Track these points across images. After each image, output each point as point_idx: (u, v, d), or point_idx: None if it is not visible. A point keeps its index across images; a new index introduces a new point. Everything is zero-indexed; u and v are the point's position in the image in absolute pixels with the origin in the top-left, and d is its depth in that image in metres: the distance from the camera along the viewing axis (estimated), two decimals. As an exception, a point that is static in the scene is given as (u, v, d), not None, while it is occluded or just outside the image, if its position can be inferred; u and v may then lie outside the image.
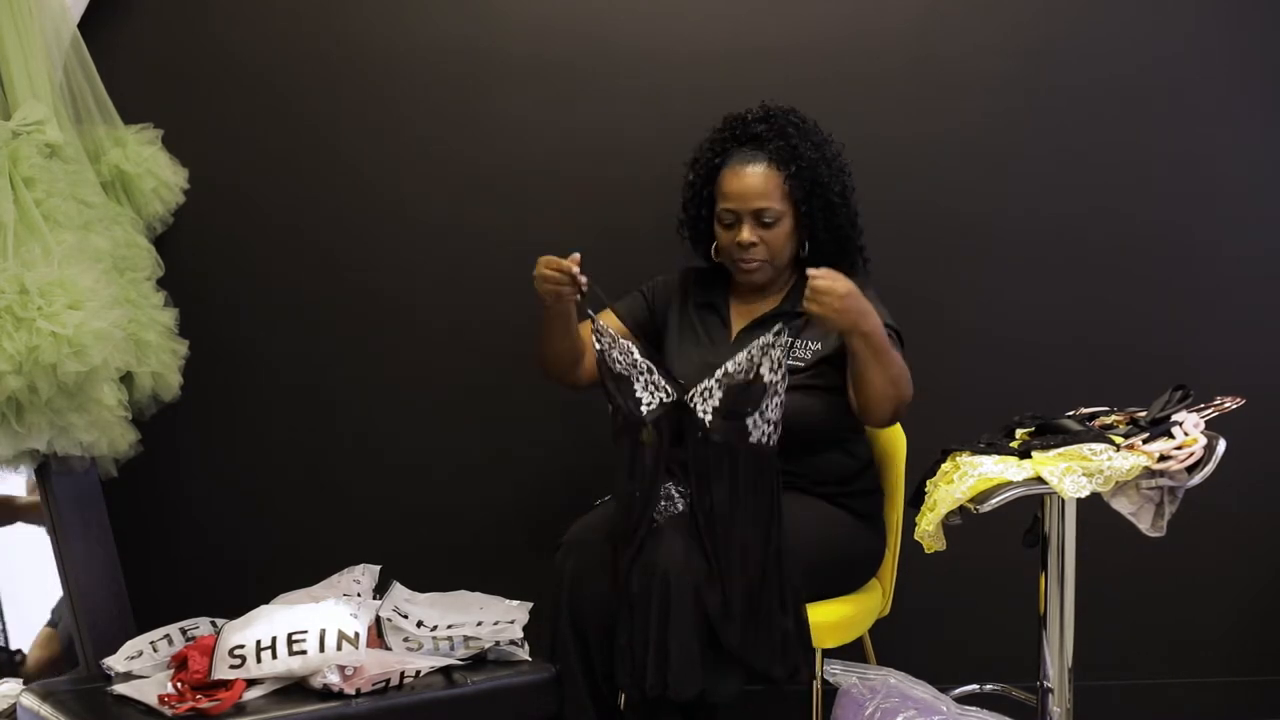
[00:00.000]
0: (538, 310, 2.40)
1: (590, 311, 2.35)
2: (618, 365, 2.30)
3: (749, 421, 2.21)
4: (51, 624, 2.68)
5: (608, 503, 2.43)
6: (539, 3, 2.90)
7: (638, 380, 2.28)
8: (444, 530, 2.96)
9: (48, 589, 2.60)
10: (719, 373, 2.24)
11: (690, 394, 2.26)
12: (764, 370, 2.20)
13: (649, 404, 2.27)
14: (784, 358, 2.20)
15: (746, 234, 2.43)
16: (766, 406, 2.21)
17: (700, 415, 2.23)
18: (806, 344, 2.43)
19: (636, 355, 2.30)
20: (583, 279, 2.30)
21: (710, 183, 2.51)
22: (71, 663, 2.57)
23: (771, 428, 2.23)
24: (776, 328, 2.20)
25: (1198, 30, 2.92)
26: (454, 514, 2.96)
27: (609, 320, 2.50)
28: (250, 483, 2.96)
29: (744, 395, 2.21)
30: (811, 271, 2.19)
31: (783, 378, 2.21)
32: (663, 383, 2.29)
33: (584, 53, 2.89)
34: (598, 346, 2.31)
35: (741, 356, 2.21)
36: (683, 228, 2.61)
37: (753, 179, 2.43)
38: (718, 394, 2.23)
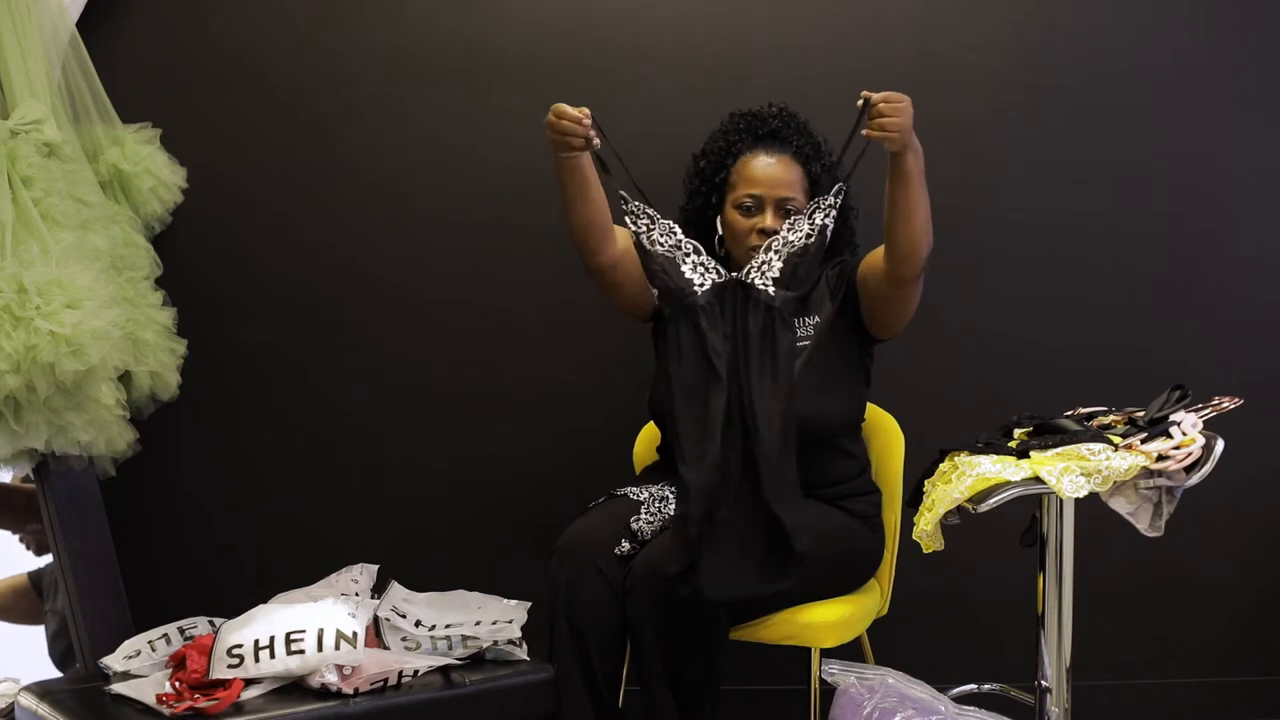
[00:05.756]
0: (557, 173, 2.35)
1: (622, 186, 2.27)
2: (659, 246, 2.27)
3: (799, 298, 2.26)
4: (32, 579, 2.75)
5: (601, 504, 2.43)
6: (539, 1, 2.90)
7: (684, 262, 2.26)
8: (443, 530, 2.96)
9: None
10: (776, 243, 2.26)
11: (746, 270, 2.26)
12: (818, 219, 2.24)
13: (700, 285, 2.25)
14: (836, 201, 2.25)
15: (770, 220, 2.41)
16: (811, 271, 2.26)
17: (761, 287, 2.24)
18: (804, 320, 2.44)
19: (680, 235, 2.28)
20: (594, 134, 2.24)
21: (720, 171, 2.50)
22: (35, 616, 2.65)
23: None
24: (836, 188, 2.25)
25: (1197, 29, 2.91)
26: (453, 513, 2.96)
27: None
28: (248, 482, 2.96)
29: (802, 259, 2.24)
30: (873, 96, 2.17)
31: (832, 219, 2.25)
32: (712, 263, 2.28)
33: (584, 51, 2.89)
34: (634, 229, 2.28)
35: (803, 223, 2.25)
36: (682, 216, 2.61)
37: (781, 169, 2.44)
38: (776, 264, 2.25)
